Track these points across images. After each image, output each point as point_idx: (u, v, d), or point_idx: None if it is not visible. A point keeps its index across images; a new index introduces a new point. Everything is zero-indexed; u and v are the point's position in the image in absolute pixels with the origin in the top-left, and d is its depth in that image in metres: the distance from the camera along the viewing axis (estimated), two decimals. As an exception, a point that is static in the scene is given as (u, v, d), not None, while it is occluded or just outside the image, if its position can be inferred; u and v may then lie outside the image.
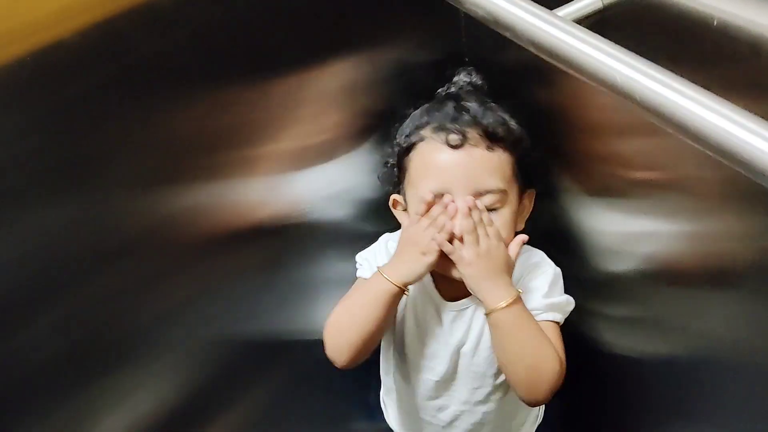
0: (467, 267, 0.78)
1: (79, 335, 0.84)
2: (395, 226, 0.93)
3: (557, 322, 0.84)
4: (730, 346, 0.68)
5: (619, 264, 0.85)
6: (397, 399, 1.00)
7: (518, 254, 0.81)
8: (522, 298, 0.79)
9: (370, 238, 0.96)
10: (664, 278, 0.76)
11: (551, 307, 0.84)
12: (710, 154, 0.44)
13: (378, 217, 0.98)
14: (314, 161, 0.95)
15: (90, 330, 0.84)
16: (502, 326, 0.78)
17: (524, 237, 0.82)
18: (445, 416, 0.92)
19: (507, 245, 0.80)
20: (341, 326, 0.84)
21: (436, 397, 0.92)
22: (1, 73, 0.69)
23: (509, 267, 0.79)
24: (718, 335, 0.69)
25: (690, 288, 0.72)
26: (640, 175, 0.74)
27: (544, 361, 0.78)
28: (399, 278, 0.80)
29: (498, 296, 0.77)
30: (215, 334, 0.96)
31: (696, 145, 0.45)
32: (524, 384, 0.79)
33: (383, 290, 0.80)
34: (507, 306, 0.76)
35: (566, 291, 0.88)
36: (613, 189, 0.81)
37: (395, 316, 0.89)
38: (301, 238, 0.98)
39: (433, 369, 0.90)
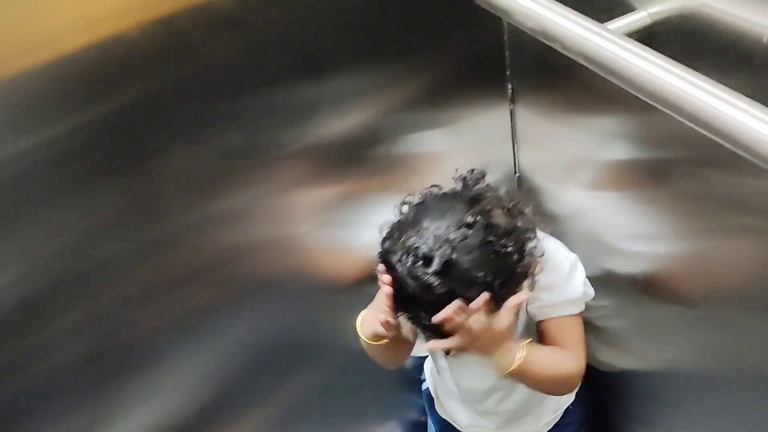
0: (468, 348, 0.77)
1: (99, 337, 0.86)
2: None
3: (575, 315, 0.86)
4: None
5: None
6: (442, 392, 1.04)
7: (517, 314, 0.79)
8: (538, 294, 0.82)
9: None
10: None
11: (568, 303, 0.85)
12: (763, 165, 0.46)
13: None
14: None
15: (109, 333, 0.86)
16: (521, 378, 0.81)
17: (517, 300, 0.76)
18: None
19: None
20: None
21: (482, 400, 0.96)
22: (63, 65, 0.71)
23: (508, 332, 0.77)
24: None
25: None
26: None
27: (567, 379, 0.86)
28: (365, 332, 0.85)
29: (506, 362, 0.78)
30: (241, 338, 0.97)
31: (747, 156, 0.46)
32: (554, 394, 0.92)
33: (362, 338, 0.86)
34: (518, 366, 0.78)
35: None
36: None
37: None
38: (331, 241, 1.00)
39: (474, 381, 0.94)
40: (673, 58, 0.53)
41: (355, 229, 0.99)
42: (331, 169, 0.93)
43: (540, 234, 0.84)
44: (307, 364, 1.06)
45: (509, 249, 0.73)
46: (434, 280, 0.70)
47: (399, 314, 0.77)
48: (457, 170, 0.80)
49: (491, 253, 0.72)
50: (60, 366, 0.84)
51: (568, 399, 1.00)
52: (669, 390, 0.89)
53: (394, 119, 0.95)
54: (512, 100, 0.98)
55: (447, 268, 0.70)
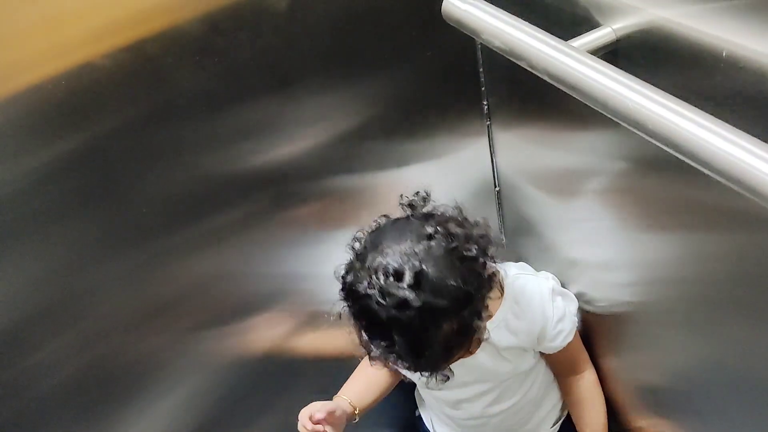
0: None
1: (83, 365, 0.86)
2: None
3: (578, 326, 0.90)
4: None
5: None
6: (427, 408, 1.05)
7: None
8: (537, 346, 0.89)
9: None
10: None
11: (560, 334, 0.88)
12: (722, 181, 0.46)
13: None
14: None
15: (94, 360, 0.87)
16: None
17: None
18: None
19: None
20: None
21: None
22: (34, 93, 0.71)
23: None
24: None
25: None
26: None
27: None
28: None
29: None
30: (227, 361, 0.97)
31: (708, 173, 0.46)
32: None
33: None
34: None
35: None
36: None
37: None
38: (322, 252, 0.99)
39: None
40: (638, 74, 0.53)
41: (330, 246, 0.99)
42: (307, 188, 0.93)
43: (509, 269, 0.87)
44: (296, 384, 1.05)
45: (474, 253, 0.73)
46: (409, 294, 0.69)
47: (373, 351, 0.76)
48: (402, 196, 0.80)
49: (457, 259, 0.72)
50: (46, 394, 0.84)
51: (563, 414, 1.01)
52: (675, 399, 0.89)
53: (370, 139, 0.95)
54: (488, 116, 0.98)
55: (419, 280, 0.70)
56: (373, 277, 0.71)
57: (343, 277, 0.76)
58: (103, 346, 0.87)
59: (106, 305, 0.86)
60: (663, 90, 0.51)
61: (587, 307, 0.94)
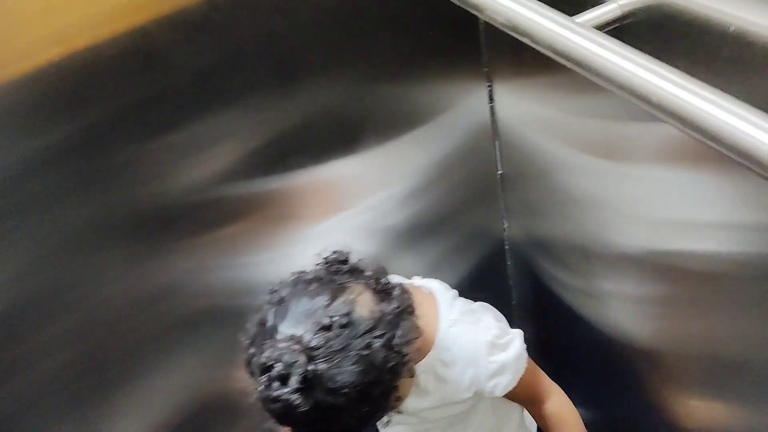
0: None
1: (81, 351, 0.86)
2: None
3: (522, 373, 0.83)
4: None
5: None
6: None
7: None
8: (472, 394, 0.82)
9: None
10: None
11: (497, 386, 0.82)
12: (730, 155, 0.45)
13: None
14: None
15: (91, 347, 0.86)
16: None
17: None
18: None
19: None
20: None
21: None
22: (35, 79, 0.71)
23: None
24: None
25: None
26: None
27: (577, 420, 0.88)
28: None
29: None
30: (226, 349, 0.95)
31: (715, 147, 0.46)
32: None
33: None
34: None
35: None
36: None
37: None
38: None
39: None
40: (643, 50, 0.52)
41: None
42: (317, 159, 0.92)
43: (449, 310, 0.80)
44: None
45: (376, 345, 0.66)
46: (295, 399, 0.63)
47: None
48: (319, 254, 0.74)
49: (356, 354, 0.65)
50: (39, 380, 0.84)
51: None
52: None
53: (372, 116, 0.94)
54: (491, 97, 0.97)
55: (308, 384, 0.63)
56: (260, 376, 0.65)
57: (246, 347, 0.70)
58: (97, 334, 0.87)
59: (101, 293, 0.85)
60: (669, 65, 0.50)
61: (594, 299, 0.93)
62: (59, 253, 0.81)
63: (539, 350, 1.19)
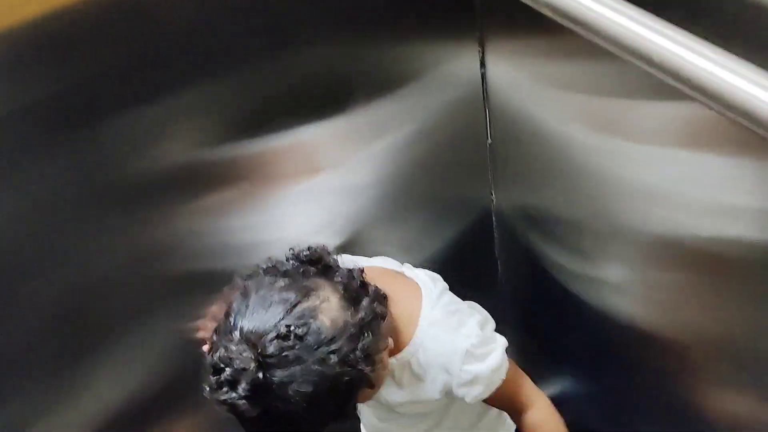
0: None
1: (61, 313, 0.84)
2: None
3: (498, 385, 0.79)
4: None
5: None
6: None
7: None
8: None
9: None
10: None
11: (468, 395, 0.78)
12: (729, 115, 0.43)
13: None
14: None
15: (72, 309, 0.85)
16: None
17: None
18: None
19: None
20: None
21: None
22: (13, 35, 0.68)
23: None
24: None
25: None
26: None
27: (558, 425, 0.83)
28: None
29: None
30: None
31: (716, 108, 0.44)
32: None
33: None
34: None
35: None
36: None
37: None
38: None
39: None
40: (644, 7, 0.51)
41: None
42: (303, 120, 0.90)
43: (433, 308, 0.77)
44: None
45: (332, 360, 0.64)
46: (242, 405, 0.62)
47: None
48: (291, 249, 0.72)
49: (312, 366, 0.63)
50: (22, 339, 0.83)
51: None
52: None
53: (360, 78, 0.91)
54: (483, 63, 0.95)
55: (256, 391, 0.62)
56: (210, 377, 0.64)
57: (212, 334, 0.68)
58: (81, 296, 0.86)
59: (86, 255, 0.84)
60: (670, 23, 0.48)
61: (585, 277, 0.92)
62: (43, 216, 0.79)
63: (525, 328, 1.18)
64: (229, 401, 0.62)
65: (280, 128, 0.89)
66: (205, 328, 0.85)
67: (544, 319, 1.12)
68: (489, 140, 1.02)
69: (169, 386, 0.98)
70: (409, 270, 0.86)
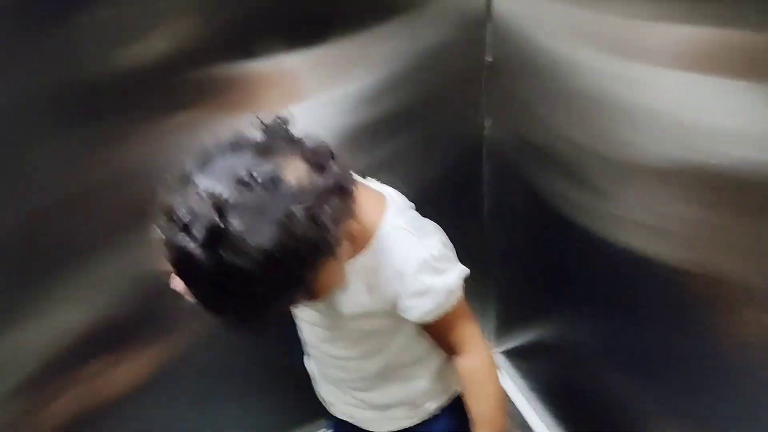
0: None
1: (26, 233, 0.82)
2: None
3: (447, 310, 0.75)
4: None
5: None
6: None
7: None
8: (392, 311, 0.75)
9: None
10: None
11: (414, 309, 0.74)
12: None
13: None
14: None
15: (45, 226, 0.82)
16: None
17: None
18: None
19: None
20: None
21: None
22: None
23: None
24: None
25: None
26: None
27: (496, 385, 0.80)
28: None
29: None
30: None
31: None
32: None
33: None
34: None
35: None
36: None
37: None
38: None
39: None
40: None
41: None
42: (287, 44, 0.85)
43: (395, 216, 0.73)
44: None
45: (298, 214, 0.58)
46: (195, 250, 0.56)
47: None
48: (257, 117, 0.66)
49: (274, 218, 0.57)
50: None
51: (432, 400, 0.89)
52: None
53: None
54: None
55: (211, 237, 0.56)
56: (163, 222, 0.59)
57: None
58: (46, 216, 0.83)
59: (52, 174, 0.81)
60: None
61: (583, 210, 0.87)
62: (10, 126, 0.75)
63: (510, 265, 1.14)
64: (183, 246, 0.57)
65: (261, 53, 0.84)
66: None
67: (531, 255, 1.07)
68: (489, 58, 0.96)
69: (137, 312, 0.96)
70: (375, 183, 0.81)
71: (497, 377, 0.80)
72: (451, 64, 0.96)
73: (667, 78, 0.67)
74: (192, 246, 0.56)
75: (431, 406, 0.88)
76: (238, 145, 0.62)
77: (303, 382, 0.95)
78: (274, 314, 0.63)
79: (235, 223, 0.56)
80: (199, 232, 0.56)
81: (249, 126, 0.64)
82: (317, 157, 0.63)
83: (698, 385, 0.77)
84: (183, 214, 0.57)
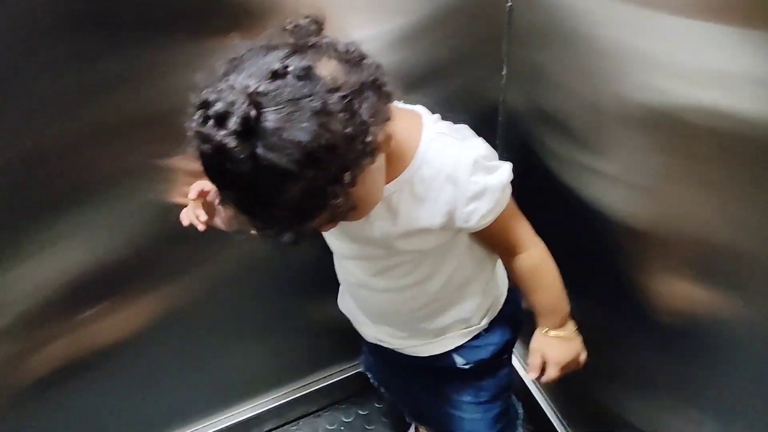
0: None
1: (30, 168, 0.80)
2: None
3: (504, 207, 0.76)
4: None
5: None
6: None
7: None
8: (448, 224, 0.75)
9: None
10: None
11: (474, 213, 0.74)
12: None
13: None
14: None
15: (41, 164, 0.81)
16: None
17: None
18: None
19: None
20: None
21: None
22: None
23: None
24: None
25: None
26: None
27: (555, 275, 0.83)
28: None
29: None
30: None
31: None
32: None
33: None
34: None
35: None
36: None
37: None
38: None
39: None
40: None
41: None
42: None
43: (432, 126, 0.72)
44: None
45: (335, 107, 0.57)
46: (231, 142, 0.54)
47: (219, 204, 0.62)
48: (288, 20, 0.64)
49: (309, 110, 0.56)
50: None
51: (485, 316, 0.90)
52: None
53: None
54: None
55: (248, 128, 0.54)
56: (196, 116, 0.57)
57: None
58: (54, 151, 0.81)
59: (63, 112, 0.79)
60: None
61: (597, 175, 0.84)
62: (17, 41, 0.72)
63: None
64: (217, 138, 0.54)
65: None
66: (195, 192, 0.79)
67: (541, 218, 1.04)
68: (509, 3, 0.92)
69: (141, 253, 0.94)
70: (403, 104, 0.79)
71: (558, 271, 0.83)
72: (473, 11, 0.92)
73: (680, 26, 0.63)
74: (227, 140, 0.54)
75: (483, 322, 0.91)
76: (271, 45, 0.60)
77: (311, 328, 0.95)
78: (309, 221, 0.61)
79: (271, 116, 0.55)
80: (234, 123, 0.54)
81: (281, 31, 0.62)
82: (350, 55, 0.62)
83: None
84: (219, 107, 0.55)
